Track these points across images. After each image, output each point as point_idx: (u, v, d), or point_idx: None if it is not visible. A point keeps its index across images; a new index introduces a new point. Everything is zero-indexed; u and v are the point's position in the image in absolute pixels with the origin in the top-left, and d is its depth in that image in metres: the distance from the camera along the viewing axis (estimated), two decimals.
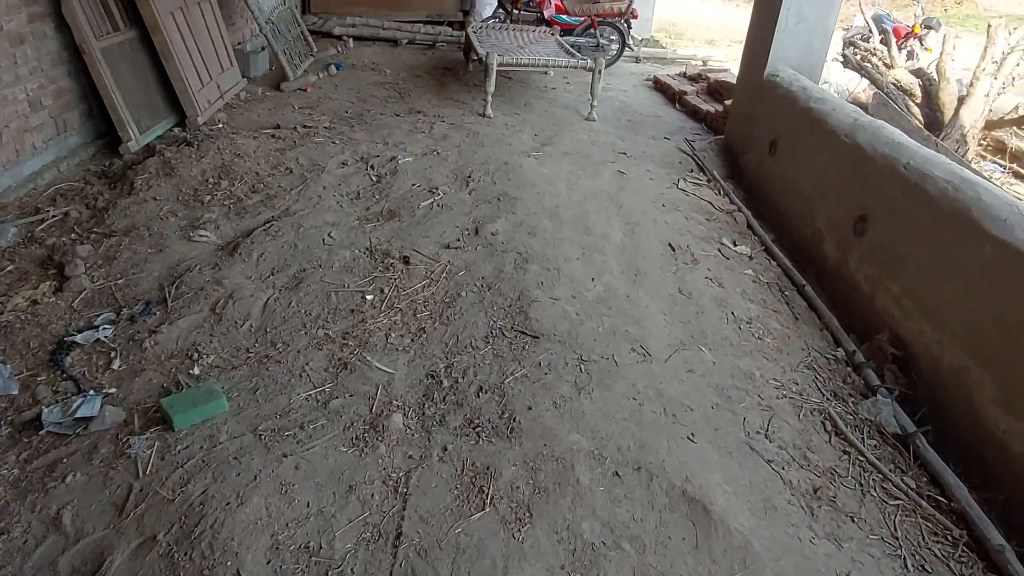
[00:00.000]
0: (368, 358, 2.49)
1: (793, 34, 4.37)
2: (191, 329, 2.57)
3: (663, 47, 8.97)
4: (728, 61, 8.45)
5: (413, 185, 3.94)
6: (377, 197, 3.79)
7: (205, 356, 2.45)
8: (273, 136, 4.52)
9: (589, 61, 5.54)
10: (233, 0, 6.04)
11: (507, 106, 5.90)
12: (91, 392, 2.21)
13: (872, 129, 3.32)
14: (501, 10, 7.60)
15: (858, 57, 5.60)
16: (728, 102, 5.49)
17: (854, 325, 3.03)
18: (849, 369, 2.79)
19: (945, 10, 9.75)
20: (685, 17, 11.82)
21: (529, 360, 2.54)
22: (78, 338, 2.47)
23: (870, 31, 6.76)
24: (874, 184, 3.12)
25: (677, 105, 6.37)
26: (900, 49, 6.67)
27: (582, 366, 2.55)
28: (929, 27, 6.90)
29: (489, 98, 5.49)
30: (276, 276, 2.97)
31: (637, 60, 8.10)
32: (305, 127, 4.84)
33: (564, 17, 7.20)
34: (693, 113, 6.10)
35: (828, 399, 2.59)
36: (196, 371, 2.38)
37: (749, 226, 4.00)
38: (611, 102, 6.32)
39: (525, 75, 6.74)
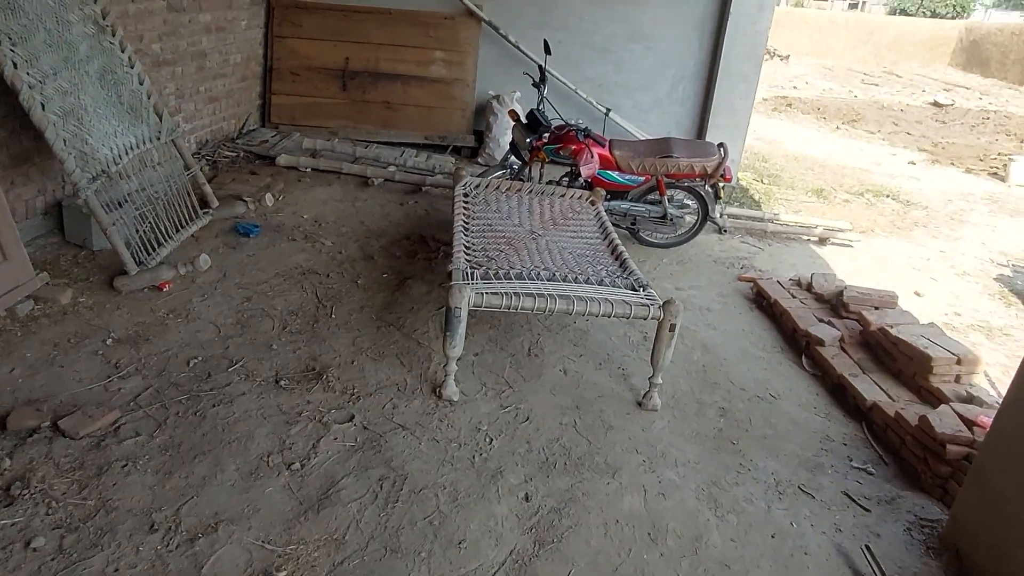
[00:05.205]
0: None
1: None
2: None
3: (757, 205, 6.27)
4: (859, 238, 5.64)
5: None
6: None
7: None
8: None
9: (655, 306, 2.84)
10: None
11: (496, 359, 3.21)
12: None
13: None
14: (513, 158, 4.86)
15: None
16: (937, 415, 2.66)
17: None
18: None
19: None
20: (777, 143, 9.08)
21: None
22: None
23: None
24: None
25: (805, 361, 3.58)
26: None
27: None
28: None
29: (453, 366, 2.83)
30: None
31: (721, 230, 5.42)
32: (46, 437, 2.24)
33: (615, 176, 4.57)
34: (839, 391, 3.30)
35: None
36: None
37: None
38: (685, 343, 3.58)
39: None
